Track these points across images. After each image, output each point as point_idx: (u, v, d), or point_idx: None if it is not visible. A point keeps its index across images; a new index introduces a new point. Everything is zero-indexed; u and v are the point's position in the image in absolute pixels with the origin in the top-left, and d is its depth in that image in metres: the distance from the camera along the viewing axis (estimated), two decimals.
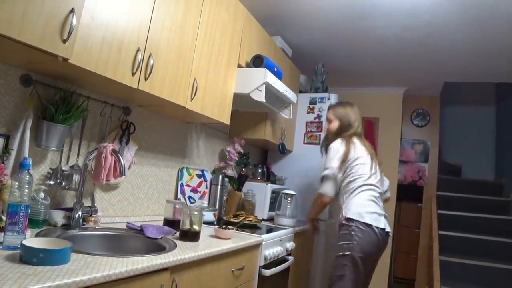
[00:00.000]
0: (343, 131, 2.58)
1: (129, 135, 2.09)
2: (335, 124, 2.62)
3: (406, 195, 5.48)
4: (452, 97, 5.43)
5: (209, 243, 1.84)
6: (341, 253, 2.29)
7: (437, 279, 3.82)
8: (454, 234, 4.51)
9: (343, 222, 2.35)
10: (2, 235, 1.23)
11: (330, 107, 2.74)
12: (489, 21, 2.93)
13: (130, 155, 2.11)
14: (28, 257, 1.10)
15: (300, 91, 3.93)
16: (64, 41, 1.32)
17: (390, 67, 4.29)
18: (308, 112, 3.80)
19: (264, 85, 2.49)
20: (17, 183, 1.26)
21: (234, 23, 2.47)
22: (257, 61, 2.63)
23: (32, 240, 1.21)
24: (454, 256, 4.23)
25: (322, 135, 2.50)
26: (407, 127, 5.46)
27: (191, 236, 1.82)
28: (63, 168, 1.78)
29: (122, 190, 2.15)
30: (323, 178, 2.48)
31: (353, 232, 2.27)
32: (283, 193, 3.24)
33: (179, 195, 2.58)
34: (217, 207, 2.79)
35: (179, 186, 2.59)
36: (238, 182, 3.06)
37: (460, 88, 5.12)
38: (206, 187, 2.86)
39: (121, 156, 1.72)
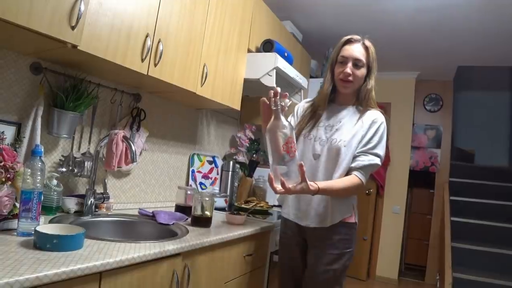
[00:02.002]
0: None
1: (139, 121, 2.09)
2: (363, 72, 1.74)
3: (418, 181, 5.43)
4: (465, 81, 5.33)
5: (221, 229, 1.85)
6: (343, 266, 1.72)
7: (449, 265, 3.81)
8: (467, 221, 4.47)
9: (349, 222, 1.74)
10: (16, 221, 1.25)
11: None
12: (504, 3, 2.85)
13: (141, 141, 2.11)
14: (42, 243, 1.11)
15: (311, 76, 3.88)
16: (73, 28, 1.31)
17: (402, 52, 4.22)
18: None
19: (274, 70, 2.47)
20: (29, 170, 1.26)
21: (244, 8, 2.43)
22: (267, 46, 2.60)
23: (45, 227, 1.23)
24: (466, 243, 4.20)
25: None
26: (420, 112, 5.39)
27: (203, 222, 1.83)
28: (74, 155, 1.79)
29: (134, 177, 2.16)
30: (371, 167, 1.67)
31: (353, 238, 1.77)
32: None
33: (191, 181, 2.59)
34: (228, 193, 2.80)
35: (190, 172, 2.60)
36: (249, 168, 3.06)
37: (474, 72, 5.02)
38: (217, 173, 2.86)
39: (132, 143, 1.73)
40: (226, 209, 2.57)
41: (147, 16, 1.66)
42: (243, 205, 2.57)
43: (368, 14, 3.33)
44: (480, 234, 4.36)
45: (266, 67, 2.48)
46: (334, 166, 1.67)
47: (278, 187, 1.42)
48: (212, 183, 2.78)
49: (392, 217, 5.04)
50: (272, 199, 3.13)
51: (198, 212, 1.83)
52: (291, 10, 3.44)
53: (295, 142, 1.45)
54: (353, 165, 1.66)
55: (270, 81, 2.48)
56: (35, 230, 1.14)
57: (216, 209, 2.39)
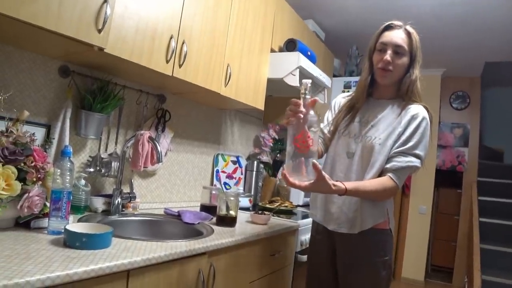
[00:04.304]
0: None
1: (164, 122, 2.11)
2: (405, 61, 1.56)
3: (445, 180, 5.31)
4: (493, 78, 5.18)
5: (245, 228, 1.85)
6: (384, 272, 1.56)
7: (478, 268, 3.71)
8: (496, 222, 4.36)
9: (382, 228, 1.56)
10: (47, 220, 1.28)
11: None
12: None
13: (166, 142, 2.14)
14: (72, 241, 1.13)
15: (334, 75, 3.85)
16: (99, 31, 1.33)
17: (428, 48, 4.09)
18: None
19: (297, 70, 2.46)
20: (59, 170, 1.29)
21: (266, 7, 2.43)
22: (290, 45, 2.60)
23: (75, 225, 1.25)
24: (495, 245, 4.09)
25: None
26: (446, 110, 5.28)
27: (228, 221, 1.83)
28: (102, 156, 1.82)
29: (159, 177, 2.19)
30: (409, 170, 1.50)
31: (389, 246, 1.59)
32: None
33: (215, 181, 2.60)
34: (252, 193, 2.80)
35: (214, 172, 2.62)
36: (273, 168, 3.06)
37: (502, 68, 4.87)
38: (241, 173, 2.87)
39: (158, 143, 1.75)
40: (251, 209, 2.57)
41: (171, 17, 1.68)
42: (267, 205, 2.57)
43: (391, 10, 3.28)
44: (510, 235, 4.24)
45: (289, 66, 2.47)
46: (367, 166, 1.53)
47: (295, 182, 1.36)
48: (236, 183, 2.79)
49: (418, 218, 4.95)
50: (296, 199, 3.12)
51: (223, 211, 1.84)
52: (313, 9, 3.42)
53: (311, 136, 1.35)
54: (388, 166, 1.49)
55: (293, 80, 2.47)
56: (65, 229, 1.16)
57: (241, 209, 2.40)
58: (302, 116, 1.35)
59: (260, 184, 2.97)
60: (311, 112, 1.38)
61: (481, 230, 4.19)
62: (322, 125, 1.76)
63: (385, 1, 3.16)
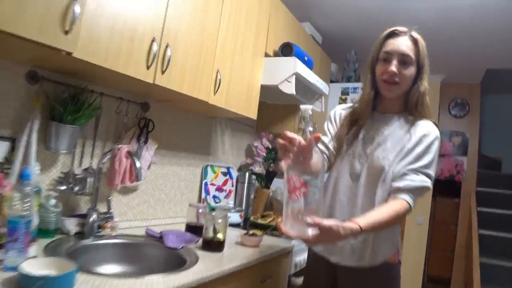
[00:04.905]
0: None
1: (147, 133, 1.92)
2: (412, 71, 1.38)
3: (443, 190, 5.15)
4: (494, 85, 5.04)
5: (235, 253, 1.67)
6: None
7: (478, 283, 3.56)
8: (495, 234, 4.22)
9: (392, 262, 1.39)
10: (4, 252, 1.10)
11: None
12: None
13: (149, 154, 1.95)
14: (26, 284, 0.95)
15: (331, 81, 3.68)
16: (66, 33, 1.14)
17: (428, 54, 3.98)
18: (340, 103, 3.56)
19: (293, 76, 2.28)
20: (18, 194, 1.11)
21: (260, 8, 2.26)
22: (286, 50, 2.42)
23: (32, 262, 1.06)
24: (495, 258, 3.95)
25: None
26: (444, 118, 5.12)
27: (215, 246, 1.65)
28: (75, 172, 1.63)
29: (142, 192, 2.00)
30: (422, 190, 1.31)
31: (398, 283, 1.42)
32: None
33: (204, 195, 2.42)
34: (243, 207, 2.62)
35: (203, 185, 2.43)
36: (266, 179, 2.88)
37: (503, 75, 4.74)
38: (232, 185, 2.69)
39: (138, 158, 1.58)
40: (241, 224, 2.40)
41: (153, 18, 1.50)
42: (259, 220, 2.39)
43: (392, 14, 3.12)
44: (510, 248, 4.10)
45: (285, 72, 2.30)
46: (376, 189, 1.35)
47: (294, 234, 1.07)
48: (227, 196, 2.61)
49: (415, 229, 4.78)
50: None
51: (210, 234, 1.65)
52: (310, 10, 3.25)
53: (306, 184, 1.04)
54: (400, 185, 1.28)
55: (289, 88, 2.29)
56: (19, 270, 0.98)
57: (231, 225, 2.22)
58: (295, 155, 1.06)
59: (252, 196, 2.79)
60: (315, 154, 1.09)
61: (480, 242, 4.05)
62: (326, 139, 1.52)
63: (386, 4, 3.00)
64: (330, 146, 1.50)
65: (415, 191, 1.29)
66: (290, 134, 1.04)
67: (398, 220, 1.29)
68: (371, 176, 1.37)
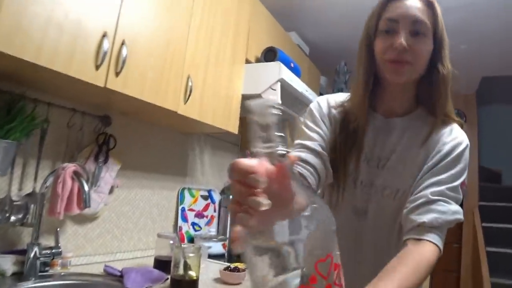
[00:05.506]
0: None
1: (107, 151, 1.64)
2: (429, 44, 0.93)
3: None
4: (491, 94, 4.84)
5: None
6: None
7: None
8: (503, 251, 3.93)
9: None
10: None
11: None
12: None
13: (111, 176, 1.65)
14: None
15: (321, 94, 3.44)
16: None
17: None
18: None
19: (279, 83, 2.02)
20: None
21: (238, 10, 2.01)
22: (269, 55, 2.17)
23: None
24: (504, 277, 3.66)
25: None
26: None
27: (186, 286, 1.34)
28: (13, 198, 1.33)
29: (104, 221, 1.69)
30: (452, 223, 0.88)
31: None
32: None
33: (181, 222, 2.11)
34: (227, 235, 2.31)
35: (179, 211, 2.12)
36: None
37: (500, 83, 4.55)
38: (215, 210, 2.38)
39: (96, 181, 1.30)
40: (226, 255, 2.09)
41: (104, 9, 1.24)
42: None
43: None
44: None
45: (269, 79, 2.04)
46: (392, 231, 0.96)
47: None
48: (208, 223, 2.30)
49: None
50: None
51: (180, 271, 1.34)
52: (295, 19, 3.03)
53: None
54: (425, 219, 0.84)
55: (274, 96, 2.03)
56: None
57: (213, 257, 1.92)
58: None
59: None
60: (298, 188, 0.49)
61: (489, 261, 3.76)
62: (312, 143, 0.95)
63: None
64: (320, 148, 0.94)
65: (445, 227, 0.87)
66: (244, 162, 0.44)
67: (428, 274, 0.82)
68: (384, 216, 0.98)
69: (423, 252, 0.81)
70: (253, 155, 0.46)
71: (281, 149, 0.46)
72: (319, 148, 0.94)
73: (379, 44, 0.93)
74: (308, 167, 0.89)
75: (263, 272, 0.47)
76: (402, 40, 0.88)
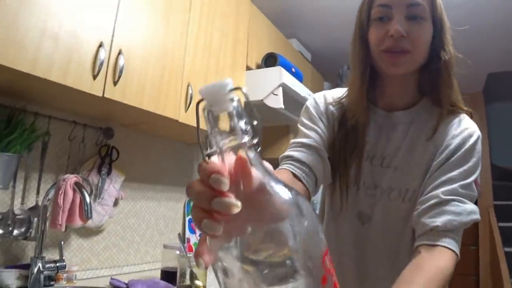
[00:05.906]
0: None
1: (110, 162, 1.63)
2: (428, 28, 0.84)
3: None
4: (498, 90, 4.78)
5: None
6: None
7: None
8: None
9: None
10: None
11: None
12: None
13: (115, 188, 1.64)
14: None
15: None
16: None
17: None
18: None
19: (280, 88, 2.01)
20: None
21: (237, 16, 2.01)
22: (270, 61, 2.16)
23: None
24: None
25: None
26: None
27: None
28: (15, 212, 1.33)
29: (109, 234, 1.68)
30: (468, 224, 0.78)
31: None
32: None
33: (188, 234, 2.09)
34: None
35: (187, 222, 2.10)
36: None
37: (507, 79, 4.48)
38: None
39: (99, 193, 1.29)
40: None
41: (99, 19, 1.24)
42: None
43: None
44: None
45: (270, 84, 2.03)
46: (402, 235, 0.88)
47: None
48: None
49: None
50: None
51: (186, 282, 1.31)
52: (295, 26, 3.02)
53: None
54: (439, 222, 0.75)
55: (276, 101, 2.02)
56: None
57: None
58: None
59: None
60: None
61: (508, 261, 3.67)
62: (309, 140, 0.88)
63: None
64: (317, 144, 0.87)
65: (461, 230, 0.78)
66: (212, 165, 0.33)
67: (446, 284, 0.73)
68: (392, 220, 0.90)
69: (439, 260, 0.73)
70: (216, 152, 0.36)
71: (246, 140, 0.35)
72: (315, 144, 0.86)
73: (373, 34, 0.85)
74: (302, 167, 0.82)
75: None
76: (397, 26, 0.80)
